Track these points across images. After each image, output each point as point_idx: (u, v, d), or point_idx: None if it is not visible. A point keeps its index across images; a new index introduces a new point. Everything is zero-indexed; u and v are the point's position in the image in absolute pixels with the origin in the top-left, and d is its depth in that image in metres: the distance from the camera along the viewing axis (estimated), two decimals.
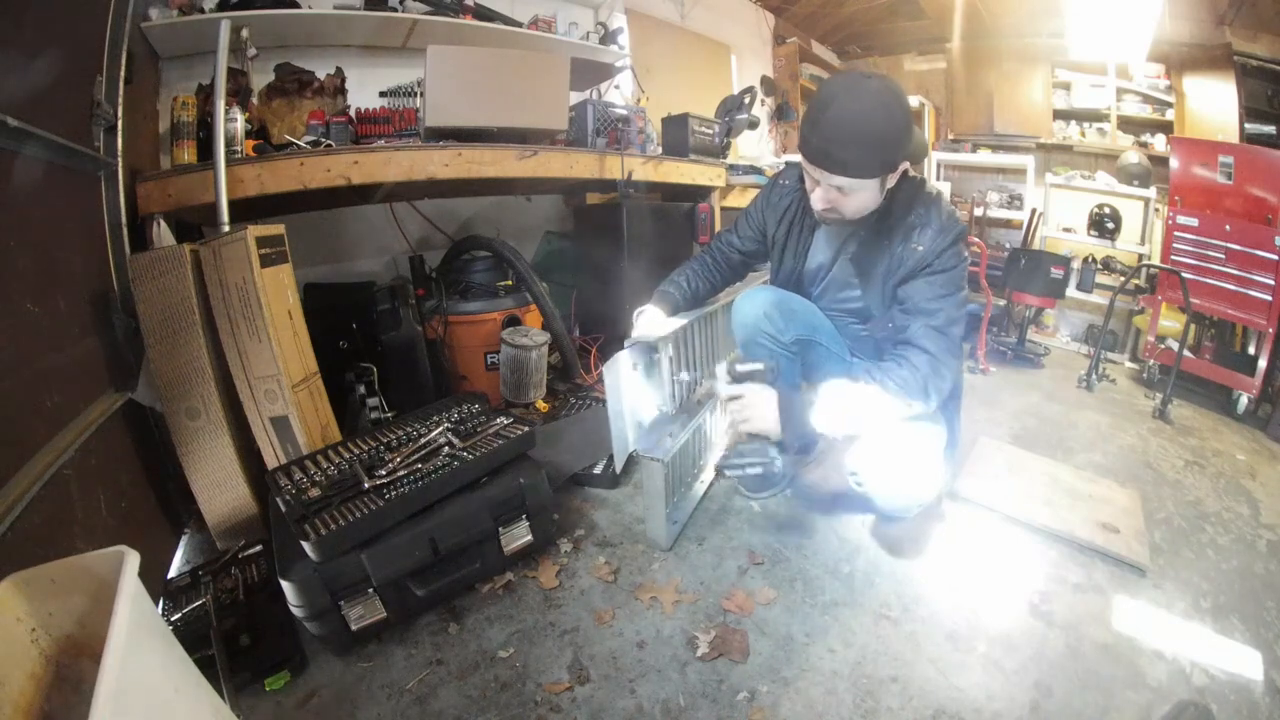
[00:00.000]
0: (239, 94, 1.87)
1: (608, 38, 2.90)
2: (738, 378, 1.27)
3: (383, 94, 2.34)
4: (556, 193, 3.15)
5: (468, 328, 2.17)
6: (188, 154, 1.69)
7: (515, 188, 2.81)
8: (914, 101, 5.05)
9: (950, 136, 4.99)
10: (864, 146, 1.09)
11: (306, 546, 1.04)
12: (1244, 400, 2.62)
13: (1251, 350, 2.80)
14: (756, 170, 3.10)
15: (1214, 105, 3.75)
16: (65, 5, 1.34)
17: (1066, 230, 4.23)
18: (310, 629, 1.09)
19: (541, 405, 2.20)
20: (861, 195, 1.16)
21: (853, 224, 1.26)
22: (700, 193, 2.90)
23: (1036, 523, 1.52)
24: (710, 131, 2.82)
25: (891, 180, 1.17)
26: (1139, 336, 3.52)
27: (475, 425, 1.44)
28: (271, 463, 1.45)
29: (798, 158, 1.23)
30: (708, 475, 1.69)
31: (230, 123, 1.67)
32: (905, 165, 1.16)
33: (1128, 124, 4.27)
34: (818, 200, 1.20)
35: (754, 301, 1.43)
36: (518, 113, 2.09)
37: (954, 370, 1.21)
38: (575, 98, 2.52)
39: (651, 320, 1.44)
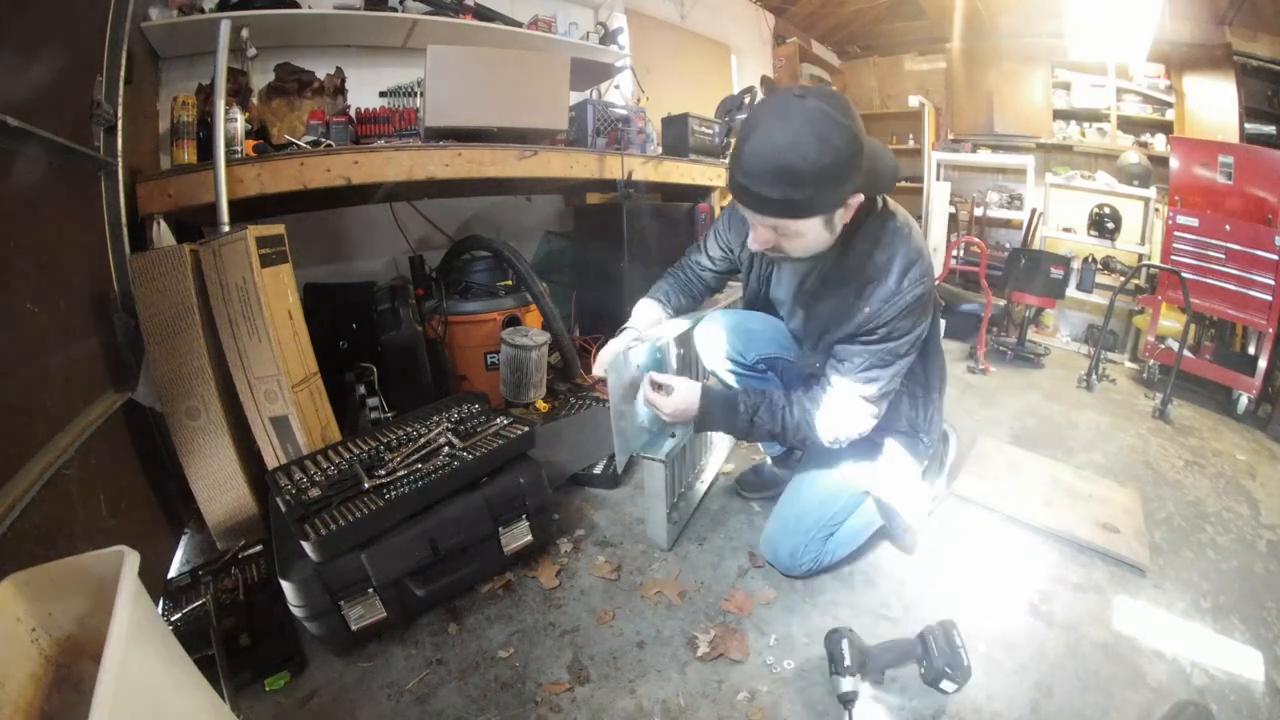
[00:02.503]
0: (239, 94, 1.87)
1: (608, 38, 2.90)
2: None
3: (383, 94, 2.34)
4: (556, 193, 3.15)
5: (468, 328, 2.17)
6: (188, 154, 1.69)
7: (515, 188, 2.81)
8: (914, 101, 5.06)
9: (950, 136, 4.99)
10: (791, 184, 0.90)
11: (306, 546, 1.04)
12: (1244, 400, 2.61)
13: (1251, 350, 2.80)
14: None
15: (1214, 105, 3.75)
16: (65, 5, 1.34)
17: (1066, 230, 4.23)
18: (310, 629, 1.09)
19: (541, 405, 2.20)
20: (804, 237, 1.00)
21: (809, 260, 1.14)
22: (700, 193, 2.90)
23: (1036, 523, 1.52)
24: (710, 131, 2.82)
25: (845, 216, 1.01)
26: (1139, 336, 3.52)
27: (475, 425, 1.45)
28: (271, 463, 1.45)
29: None
30: (708, 475, 1.69)
31: (230, 123, 1.67)
32: (858, 199, 0.98)
33: (1128, 124, 4.27)
34: (753, 240, 1.05)
35: (710, 330, 1.40)
36: (518, 113, 2.09)
37: (863, 432, 1.16)
38: (575, 98, 2.52)
39: (645, 311, 1.43)
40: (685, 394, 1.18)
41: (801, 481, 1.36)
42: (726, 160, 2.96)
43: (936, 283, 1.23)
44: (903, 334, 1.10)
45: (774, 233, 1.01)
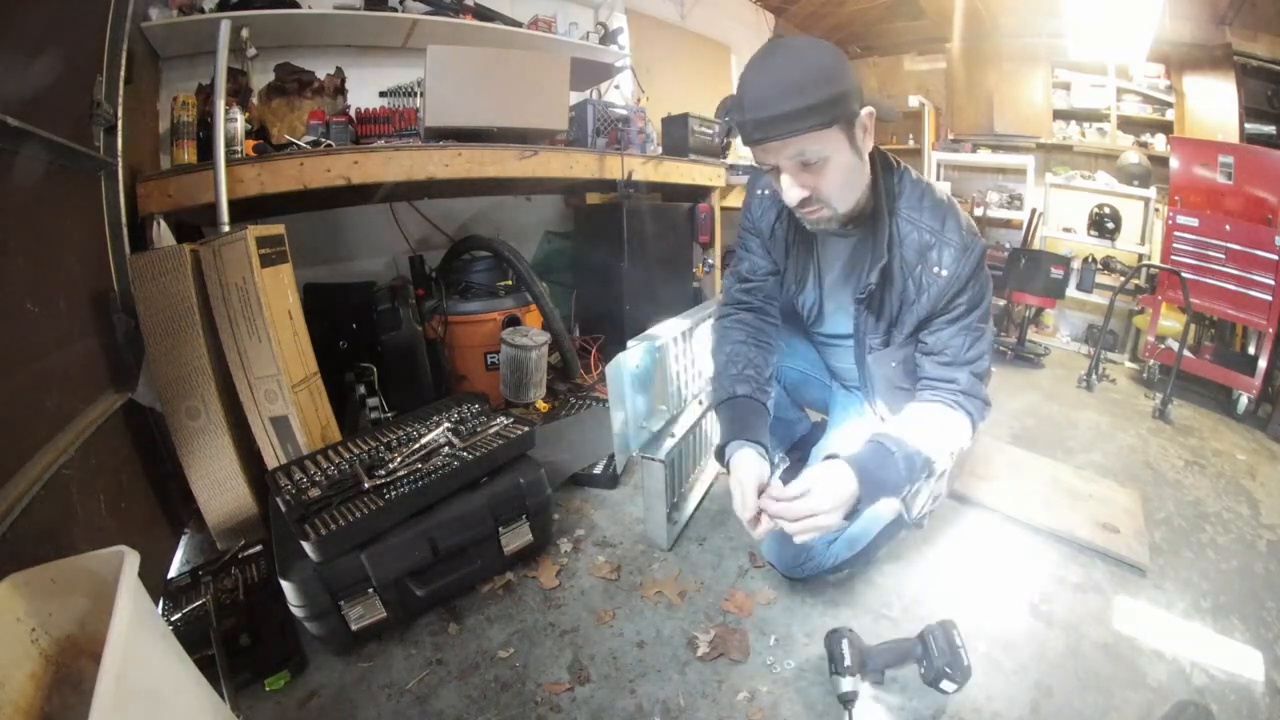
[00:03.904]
0: (239, 94, 1.87)
1: (608, 38, 2.90)
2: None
3: (383, 94, 2.34)
4: (556, 193, 3.15)
5: (468, 328, 2.17)
6: (188, 154, 1.69)
7: (515, 188, 2.81)
8: (914, 101, 5.06)
9: (950, 136, 4.98)
10: (799, 90, 0.87)
11: (306, 546, 1.04)
12: (1244, 400, 2.61)
13: (1251, 350, 2.80)
14: (756, 170, 3.10)
15: (1214, 105, 3.74)
16: (65, 5, 1.34)
17: (1066, 230, 4.23)
18: (310, 629, 1.09)
19: (541, 405, 2.20)
20: (835, 162, 0.93)
21: (855, 232, 1.06)
22: (700, 193, 2.90)
23: (1036, 523, 1.52)
24: (710, 131, 2.82)
25: (865, 141, 0.96)
26: (1139, 336, 3.52)
27: (475, 425, 1.44)
28: (271, 463, 1.45)
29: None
30: (708, 475, 1.69)
31: (230, 123, 1.67)
32: (869, 111, 0.94)
33: (1128, 124, 4.26)
34: (792, 194, 0.96)
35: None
36: (518, 113, 2.09)
37: (987, 415, 1.12)
38: (575, 98, 2.52)
39: (746, 467, 1.03)
40: (834, 481, 0.93)
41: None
42: (726, 155, 2.96)
43: None
44: (982, 294, 1.05)
45: (802, 169, 0.93)
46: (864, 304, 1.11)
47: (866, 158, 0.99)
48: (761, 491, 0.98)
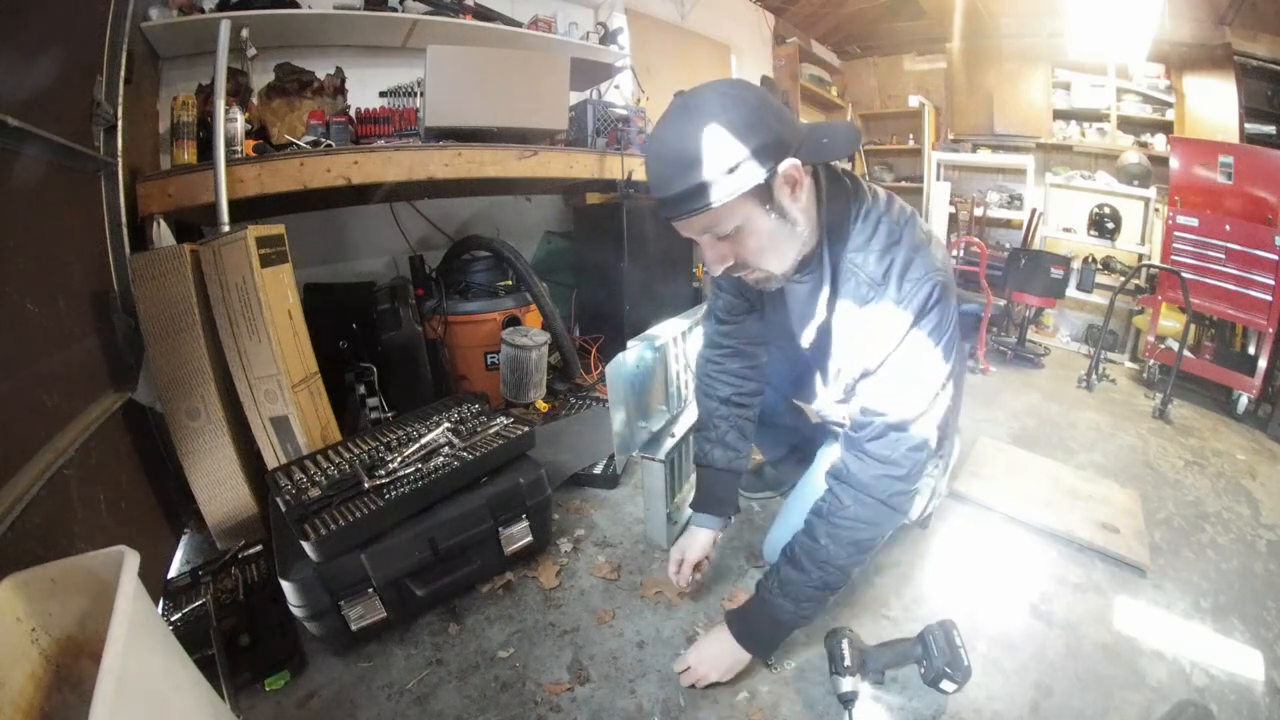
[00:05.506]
0: (239, 94, 1.87)
1: (608, 38, 2.90)
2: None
3: (383, 94, 2.34)
4: (556, 193, 3.15)
5: (468, 328, 2.17)
6: (188, 154, 1.69)
7: (515, 188, 2.81)
8: (914, 101, 5.06)
9: (950, 136, 4.99)
10: (689, 165, 0.78)
11: (306, 546, 1.04)
12: (1244, 400, 2.61)
13: (1251, 350, 2.80)
14: None
15: (1214, 105, 3.74)
16: (65, 5, 1.34)
17: (1066, 230, 4.23)
18: (310, 629, 1.09)
19: (541, 405, 2.20)
20: (750, 230, 0.84)
21: (809, 277, 0.95)
22: None
23: (1036, 523, 1.52)
24: None
25: (795, 195, 0.84)
26: (1139, 336, 3.52)
27: (475, 425, 1.44)
28: (271, 463, 1.45)
29: None
30: None
31: (230, 123, 1.67)
32: (789, 164, 0.81)
33: (1128, 124, 4.26)
34: (715, 267, 0.90)
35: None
36: (518, 113, 2.09)
37: (921, 478, 0.97)
38: (575, 98, 2.52)
39: (696, 545, 1.21)
40: (712, 648, 1.08)
41: (810, 487, 1.30)
42: None
43: None
44: (935, 341, 0.89)
45: (718, 240, 0.87)
46: (810, 355, 1.09)
47: (799, 212, 0.87)
48: (697, 567, 1.22)
